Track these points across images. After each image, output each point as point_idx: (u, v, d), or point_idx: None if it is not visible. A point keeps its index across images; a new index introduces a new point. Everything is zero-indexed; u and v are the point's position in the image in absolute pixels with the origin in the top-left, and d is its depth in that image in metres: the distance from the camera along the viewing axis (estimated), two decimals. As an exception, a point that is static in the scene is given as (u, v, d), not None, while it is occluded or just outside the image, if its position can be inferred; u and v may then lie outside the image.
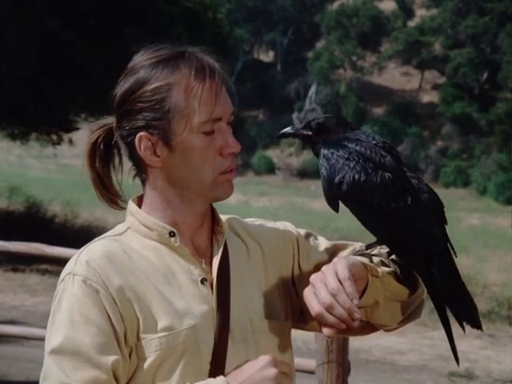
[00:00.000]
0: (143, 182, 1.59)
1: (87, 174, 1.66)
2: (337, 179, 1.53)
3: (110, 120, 1.59)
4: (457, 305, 1.52)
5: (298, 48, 54.44)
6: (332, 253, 1.65)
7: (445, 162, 43.07)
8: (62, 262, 8.19)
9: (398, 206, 1.49)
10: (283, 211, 25.41)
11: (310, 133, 1.62)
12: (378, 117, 48.99)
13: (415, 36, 51.78)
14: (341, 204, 1.58)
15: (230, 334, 1.52)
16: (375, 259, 1.56)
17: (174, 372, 1.47)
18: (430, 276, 1.51)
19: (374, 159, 1.52)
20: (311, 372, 4.14)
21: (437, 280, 1.50)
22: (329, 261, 1.51)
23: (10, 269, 12.84)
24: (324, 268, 1.44)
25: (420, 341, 9.57)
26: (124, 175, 1.64)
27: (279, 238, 1.66)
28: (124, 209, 1.61)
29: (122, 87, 1.55)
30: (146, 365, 1.47)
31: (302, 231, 1.70)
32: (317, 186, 36.66)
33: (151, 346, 1.47)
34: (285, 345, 1.59)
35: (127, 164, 1.61)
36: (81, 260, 1.51)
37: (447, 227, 1.58)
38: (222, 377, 1.46)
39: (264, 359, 1.45)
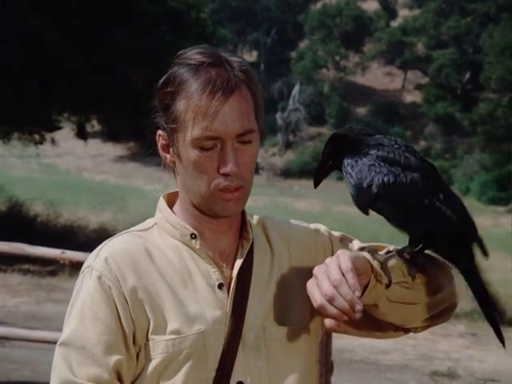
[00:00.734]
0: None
1: None
2: (365, 183, 1.51)
3: None
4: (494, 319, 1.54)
5: (281, 48, 54.49)
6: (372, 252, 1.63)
7: (427, 162, 43.15)
8: (45, 261, 8.18)
9: (431, 202, 1.50)
10: (267, 211, 25.40)
11: (330, 162, 1.61)
12: (361, 117, 49.11)
13: (398, 36, 51.95)
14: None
15: (242, 341, 1.51)
16: (393, 262, 1.53)
17: (177, 376, 1.48)
18: (469, 266, 1.53)
19: (399, 161, 1.52)
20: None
21: (476, 271, 1.53)
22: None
23: (-8, 269, 12.77)
24: (327, 260, 1.43)
25: (403, 340, 9.60)
26: None
27: (311, 241, 1.65)
28: None
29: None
30: (152, 366, 1.48)
31: (337, 234, 1.69)
32: (300, 185, 36.71)
33: (158, 347, 1.48)
34: (300, 351, 1.57)
35: None
36: (101, 255, 1.52)
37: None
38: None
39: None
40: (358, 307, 1.38)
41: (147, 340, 1.48)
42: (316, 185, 1.64)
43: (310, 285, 1.42)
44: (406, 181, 1.51)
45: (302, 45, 56.11)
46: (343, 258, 1.42)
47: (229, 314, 1.51)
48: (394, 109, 49.81)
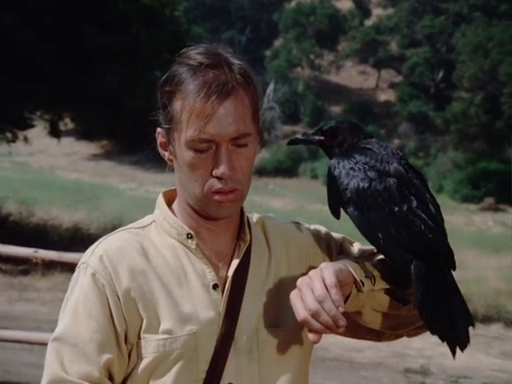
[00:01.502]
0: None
1: None
2: (341, 187, 1.52)
3: None
4: (433, 320, 1.47)
5: (255, 46, 54.45)
6: (365, 257, 1.62)
7: (401, 161, 43.34)
8: (17, 260, 8.10)
9: (401, 209, 1.48)
10: (241, 209, 25.31)
11: (323, 137, 1.62)
12: (335, 115, 49.22)
13: (372, 35, 52.12)
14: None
15: (234, 343, 1.51)
16: (371, 269, 1.52)
17: (167, 376, 1.48)
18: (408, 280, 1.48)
19: (379, 167, 1.51)
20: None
21: (416, 287, 1.47)
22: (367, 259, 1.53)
23: (-36, 268, 12.64)
24: (311, 273, 1.43)
25: (377, 338, 9.64)
26: None
27: (310, 244, 1.65)
28: None
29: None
30: (143, 365, 1.48)
31: (337, 236, 1.69)
32: (275, 184, 36.74)
33: (150, 346, 1.48)
34: (293, 354, 1.57)
35: None
36: (96, 252, 1.53)
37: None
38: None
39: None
40: (342, 323, 1.39)
41: (139, 338, 1.48)
42: (290, 143, 1.65)
43: (294, 297, 1.42)
44: (379, 186, 1.50)
45: (277, 43, 56.13)
46: (327, 272, 1.42)
47: (222, 315, 1.51)
48: (368, 107, 49.99)
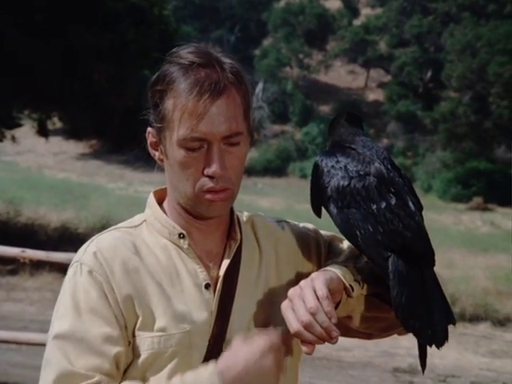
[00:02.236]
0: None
1: None
2: (322, 185, 1.53)
3: None
4: (408, 317, 1.46)
5: (244, 46, 54.44)
6: (353, 256, 1.62)
7: (390, 160, 43.43)
8: (4, 260, 8.04)
9: (379, 207, 1.48)
10: (230, 209, 25.31)
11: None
12: (324, 115, 49.30)
13: (361, 35, 52.20)
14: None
15: (226, 342, 1.51)
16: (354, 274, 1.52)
17: (162, 373, 1.48)
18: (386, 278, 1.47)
19: (359, 167, 1.51)
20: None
21: (392, 285, 1.46)
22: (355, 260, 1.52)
23: (-49, 268, 12.58)
24: (302, 283, 1.43)
25: (365, 337, 9.66)
26: None
27: (299, 241, 1.65)
28: None
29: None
30: (138, 362, 1.48)
31: (327, 234, 1.69)
32: (264, 183, 36.75)
33: (144, 344, 1.48)
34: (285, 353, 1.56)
35: None
36: (89, 250, 1.52)
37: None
38: (213, 366, 1.43)
39: (260, 344, 1.42)
40: (335, 334, 1.39)
41: (134, 336, 1.48)
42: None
43: (285, 308, 1.42)
44: (359, 185, 1.50)
45: (266, 43, 56.14)
46: (318, 282, 1.42)
47: (214, 315, 1.52)
48: (356, 107, 50.02)
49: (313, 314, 1.38)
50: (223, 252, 1.58)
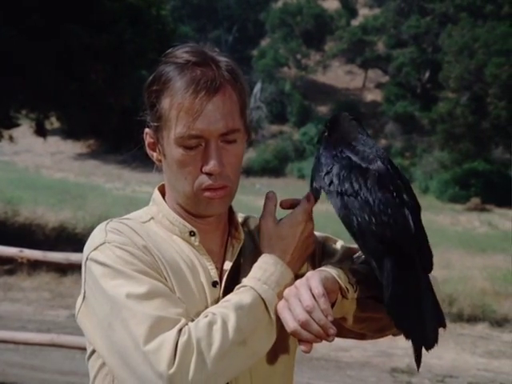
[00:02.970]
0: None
1: None
2: (325, 170, 1.54)
3: None
4: (399, 316, 1.46)
5: (242, 46, 54.46)
6: (348, 257, 1.64)
7: (387, 161, 43.44)
8: (2, 260, 8.03)
9: (376, 198, 1.49)
10: (228, 209, 25.30)
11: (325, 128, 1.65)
12: (322, 115, 49.33)
13: (359, 35, 52.24)
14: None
15: None
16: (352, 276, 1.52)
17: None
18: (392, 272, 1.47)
19: (362, 160, 1.53)
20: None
21: (385, 281, 1.46)
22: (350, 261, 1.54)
23: (-51, 268, 12.57)
24: (297, 282, 1.43)
25: (363, 337, 9.66)
26: None
27: None
28: None
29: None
30: None
31: (321, 235, 1.69)
32: (262, 183, 36.74)
33: None
34: (283, 350, 1.58)
35: None
36: (110, 230, 1.49)
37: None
38: (268, 256, 1.51)
39: (297, 217, 1.54)
40: (332, 331, 1.39)
41: None
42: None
43: (281, 308, 1.42)
44: (360, 174, 1.51)
45: (264, 43, 56.17)
46: (314, 281, 1.42)
47: None
48: (354, 107, 50.06)
49: (309, 312, 1.39)
50: (224, 251, 1.58)
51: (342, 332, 1.59)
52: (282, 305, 1.43)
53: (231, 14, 55.40)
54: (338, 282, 1.46)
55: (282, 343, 1.58)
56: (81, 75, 13.77)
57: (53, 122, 17.38)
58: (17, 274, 11.90)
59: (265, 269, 1.47)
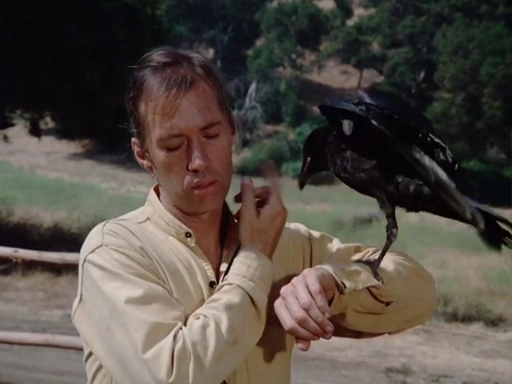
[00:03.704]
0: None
1: None
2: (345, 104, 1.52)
3: None
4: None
5: (237, 46, 54.45)
6: (345, 256, 1.63)
7: (382, 160, 43.49)
8: (-3, 260, 7.93)
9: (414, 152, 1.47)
10: (223, 209, 25.25)
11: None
12: (317, 115, 49.31)
13: (354, 35, 52.25)
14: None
15: None
16: (361, 274, 1.51)
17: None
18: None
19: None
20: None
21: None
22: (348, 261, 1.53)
23: None
24: (294, 280, 1.43)
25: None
26: None
27: (289, 241, 1.65)
28: None
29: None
30: None
31: (316, 233, 1.69)
32: (257, 183, 36.66)
33: None
34: (280, 350, 1.58)
35: None
36: (107, 232, 1.49)
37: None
38: (247, 248, 1.51)
39: (277, 207, 1.55)
40: (329, 328, 1.40)
41: None
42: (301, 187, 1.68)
43: (278, 306, 1.43)
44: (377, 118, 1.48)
45: (259, 43, 56.13)
46: (310, 278, 1.42)
47: None
48: (349, 107, 50.05)
49: (306, 310, 1.39)
50: (220, 252, 1.58)
51: (339, 330, 1.59)
52: (278, 303, 1.43)
53: (226, 14, 55.37)
54: (335, 279, 1.46)
55: (279, 341, 1.58)
56: (76, 75, 13.75)
57: (47, 122, 17.35)
58: (11, 274, 11.88)
59: (248, 264, 1.47)
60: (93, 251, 1.47)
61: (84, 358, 1.56)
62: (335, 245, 1.68)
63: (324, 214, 22.46)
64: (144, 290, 1.42)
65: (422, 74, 49.82)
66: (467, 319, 11.03)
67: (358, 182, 1.53)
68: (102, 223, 1.53)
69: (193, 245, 1.54)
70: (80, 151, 40.59)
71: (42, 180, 30.56)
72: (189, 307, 1.48)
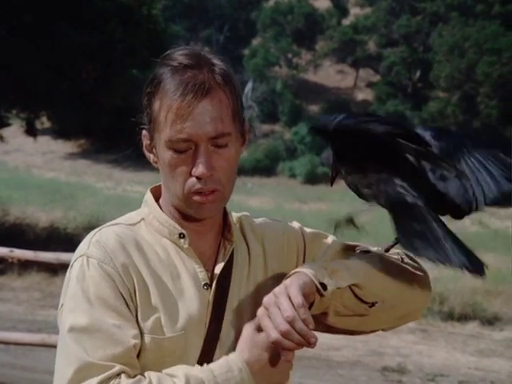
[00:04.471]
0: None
1: None
2: (332, 118, 1.54)
3: None
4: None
5: (233, 45, 54.43)
6: (340, 253, 1.63)
7: (379, 160, 43.51)
8: (-7, 260, 7.93)
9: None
10: (219, 208, 25.21)
11: None
12: (313, 114, 49.35)
13: (350, 34, 52.28)
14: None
15: (220, 343, 1.53)
16: (342, 272, 1.51)
17: (157, 371, 1.47)
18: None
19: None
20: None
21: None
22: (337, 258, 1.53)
23: None
24: (276, 290, 1.43)
25: (354, 337, 9.66)
26: None
27: (284, 239, 1.65)
28: None
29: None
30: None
31: (310, 231, 1.69)
32: (253, 183, 36.75)
33: (141, 341, 1.48)
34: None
35: None
36: (94, 243, 1.50)
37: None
38: (239, 357, 1.46)
39: None
40: (313, 340, 1.40)
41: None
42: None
43: (262, 316, 1.43)
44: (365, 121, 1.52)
45: (255, 42, 56.12)
46: (293, 289, 1.42)
47: (209, 316, 1.53)
48: (346, 106, 50.09)
49: (290, 323, 1.39)
50: (216, 253, 1.58)
51: (332, 328, 1.59)
52: (261, 312, 1.43)
53: (222, 14, 55.36)
54: (315, 284, 1.45)
55: None
56: (72, 74, 13.74)
57: (43, 122, 17.33)
58: (7, 273, 11.87)
59: (228, 369, 1.46)
60: (76, 260, 1.50)
61: None
62: (330, 242, 1.68)
63: (320, 213, 22.47)
64: (90, 320, 1.44)
65: (418, 73, 49.85)
66: (463, 318, 11.04)
67: (364, 196, 1.56)
68: (97, 229, 1.54)
69: (186, 246, 1.54)
70: (76, 151, 40.58)
71: (38, 180, 30.54)
72: (179, 311, 1.49)
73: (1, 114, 15.79)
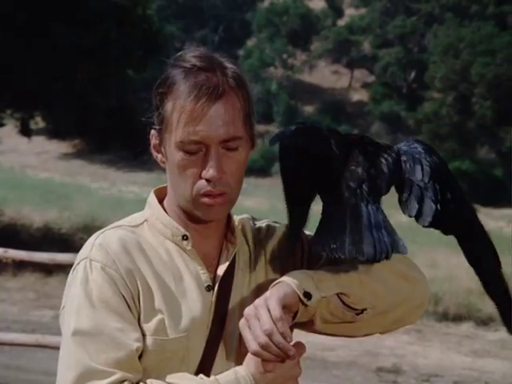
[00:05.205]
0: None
1: None
2: None
3: None
4: None
5: (228, 46, 54.38)
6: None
7: (373, 160, 43.56)
8: (-13, 261, 7.93)
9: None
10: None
11: None
12: (308, 115, 49.39)
13: (344, 35, 52.35)
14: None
15: (222, 345, 1.53)
16: (325, 275, 1.50)
17: (158, 374, 1.47)
18: None
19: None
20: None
21: None
22: (333, 264, 1.52)
23: None
24: (256, 302, 1.44)
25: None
26: None
27: (284, 239, 1.65)
28: None
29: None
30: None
31: (310, 234, 1.66)
32: (248, 183, 36.76)
33: (144, 342, 1.48)
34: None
35: None
36: (97, 246, 1.50)
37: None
38: (246, 370, 1.47)
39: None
40: (291, 353, 1.42)
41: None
42: None
43: (242, 327, 1.44)
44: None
45: (250, 43, 56.16)
46: (272, 302, 1.42)
47: (211, 319, 1.53)
48: (341, 107, 50.19)
49: (268, 336, 1.40)
50: (219, 255, 1.58)
51: (325, 332, 1.59)
52: (242, 323, 1.44)
53: (217, 14, 55.36)
54: (298, 294, 1.45)
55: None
56: (66, 74, 13.72)
57: (38, 122, 17.30)
58: (1, 274, 11.84)
59: (235, 380, 1.47)
60: (79, 263, 1.50)
61: None
62: None
63: (315, 214, 22.46)
64: (93, 323, 1.44)
65: (413, 74, 49.92)
66: (458, 319, 11.06)
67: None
68: (98, 232, 1.55)
69: (189, 248, 1.54)
70: (71, 151, 40.55)
71: (33, 180, 30.50)
72: (183, 313, 1.49)
73: (-5, 115, 15.77)
